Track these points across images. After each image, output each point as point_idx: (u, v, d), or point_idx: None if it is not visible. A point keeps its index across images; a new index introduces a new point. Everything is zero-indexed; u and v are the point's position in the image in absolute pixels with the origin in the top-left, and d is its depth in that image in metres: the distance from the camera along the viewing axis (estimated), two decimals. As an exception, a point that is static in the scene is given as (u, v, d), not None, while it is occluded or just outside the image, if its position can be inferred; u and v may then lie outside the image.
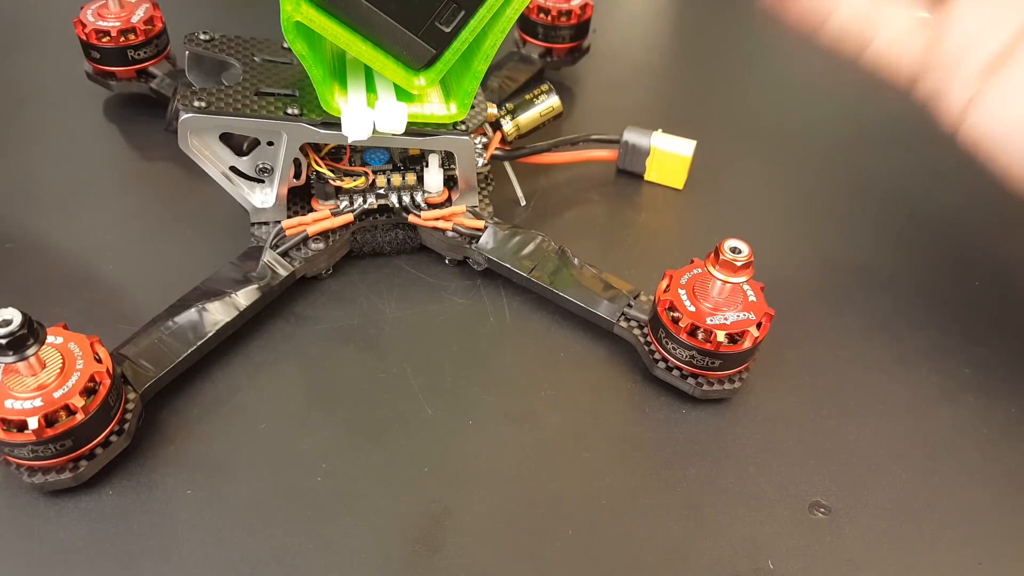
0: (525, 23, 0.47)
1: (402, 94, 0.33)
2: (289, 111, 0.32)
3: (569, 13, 0.46)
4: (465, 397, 0.32)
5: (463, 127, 0.34)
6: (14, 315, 0.24)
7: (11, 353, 0.24)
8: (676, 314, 0.30)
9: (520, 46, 0.49)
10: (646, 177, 0.43)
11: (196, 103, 0.31)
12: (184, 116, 0.31)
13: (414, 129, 0.33)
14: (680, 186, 0.42)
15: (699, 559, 0.27)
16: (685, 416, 0.32)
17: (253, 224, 0.35)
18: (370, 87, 0.33)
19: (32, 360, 0.25)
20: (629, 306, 0.33)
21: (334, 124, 0.32)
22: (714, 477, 0.30)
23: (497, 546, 0.27)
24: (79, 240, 0.37)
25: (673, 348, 0.30)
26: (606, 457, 0.30)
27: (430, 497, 0.28)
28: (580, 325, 0.35)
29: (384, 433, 0.30)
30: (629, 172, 0.43)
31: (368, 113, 0.32)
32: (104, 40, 0.42)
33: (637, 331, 0.32)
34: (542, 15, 0.47)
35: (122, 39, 0.42)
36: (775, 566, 0.27)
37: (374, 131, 0.32)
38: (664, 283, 0.31)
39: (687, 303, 0.30)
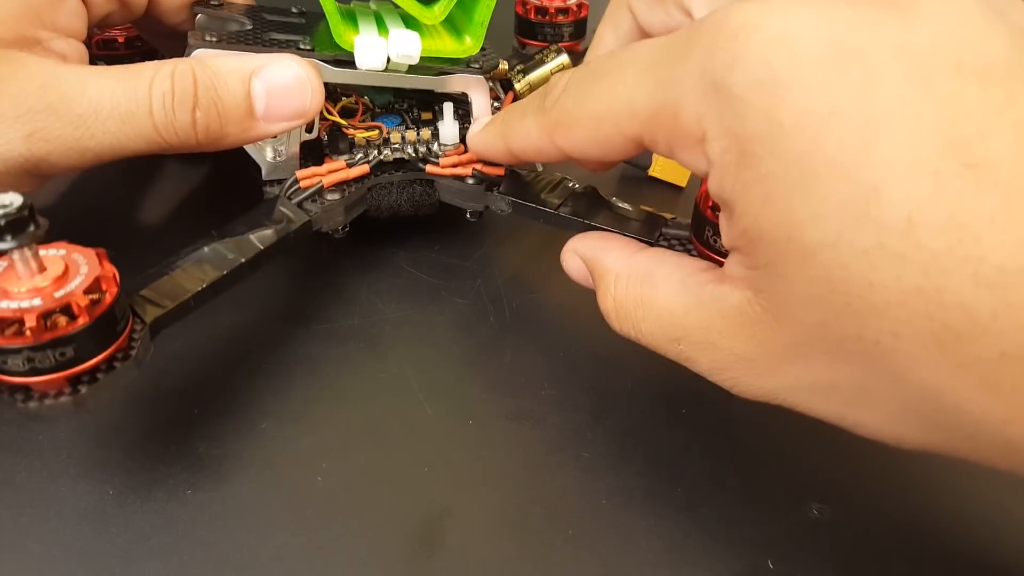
0: (523, 25, 0.48)
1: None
2: (301, 47, 0.32)
3: (567, 11, 0.47)
4: (465, 397, 0.32)
5: (477, 66, 0.33)
6: (14, 198, 0.22)
7: (10, 237, 0.22)
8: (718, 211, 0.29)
9: (519, 49, 0.49)
10: (651, 172, 0.43)
11: (207, 38, 0.31)
12: (195, 52, 0.30)
13: (426, 65, 0.33)
14: (683, 184, 0.42)
15: (699, 559, 0.27)
16: (685, 416, 0.32)
17: (265, 183, 0.35)
18: (382, 30, 0.33)
19: (30, 257, 0.23)
20: (667, 225, 0.32)
21: (347, 63, 0.32)
22: (714, 477, 0.30)
23: (497, 546, 0.27)
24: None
25: (716, 240, 0.29)
26: (606, 457, 0.30)
27: (430, 497, 0.28)
28: (580, 324, 0.35)
29: (384, 433, 0.30)
30: (634, 164, 0.43)
31: (381, 42, 0.31)
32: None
33: (679, 248, 0.31)
34: (540, 15, 0.47)
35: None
36: (775, 566, 0.27)
37: (388, 61, 0.32)
38: (704, 188, 0.29)
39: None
